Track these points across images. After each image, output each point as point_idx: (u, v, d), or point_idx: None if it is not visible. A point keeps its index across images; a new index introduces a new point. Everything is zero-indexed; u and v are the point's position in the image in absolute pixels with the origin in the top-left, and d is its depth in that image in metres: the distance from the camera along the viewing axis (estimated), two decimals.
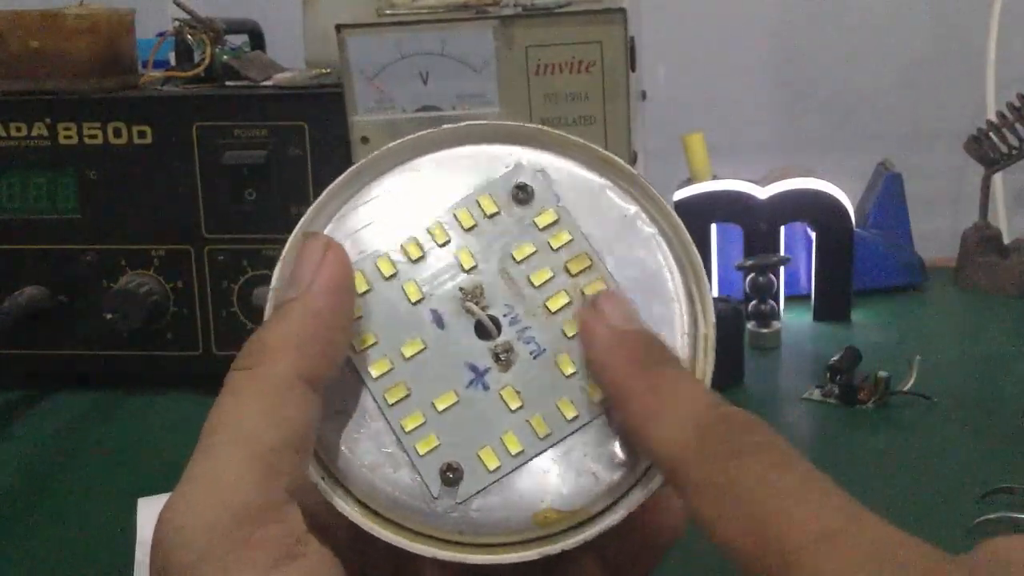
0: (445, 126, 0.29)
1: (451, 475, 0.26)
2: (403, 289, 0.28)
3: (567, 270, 0.28)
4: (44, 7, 0.69)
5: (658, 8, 0.88)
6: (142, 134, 0.68)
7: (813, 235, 0.78)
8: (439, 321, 0.27)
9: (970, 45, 1.00)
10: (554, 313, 0.28)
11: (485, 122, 0.30)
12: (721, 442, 0.23)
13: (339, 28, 0.60)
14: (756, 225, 0.77)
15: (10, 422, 0.68)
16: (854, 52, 1.04)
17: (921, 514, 0.50)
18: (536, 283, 0.28)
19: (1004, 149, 0.84)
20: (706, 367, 0.28)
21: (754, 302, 0.75)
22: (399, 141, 0.29)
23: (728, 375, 0.67)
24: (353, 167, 0.29)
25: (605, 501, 0.27)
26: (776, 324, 0.75)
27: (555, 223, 0.28)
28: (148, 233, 0.68)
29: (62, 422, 0.67)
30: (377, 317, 0.27)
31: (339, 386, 0.27)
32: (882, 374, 0.63)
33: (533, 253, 0.28)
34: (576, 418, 0.27)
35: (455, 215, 0.28)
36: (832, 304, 0.78)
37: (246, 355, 0.26)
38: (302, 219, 0.28)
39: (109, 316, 0.67)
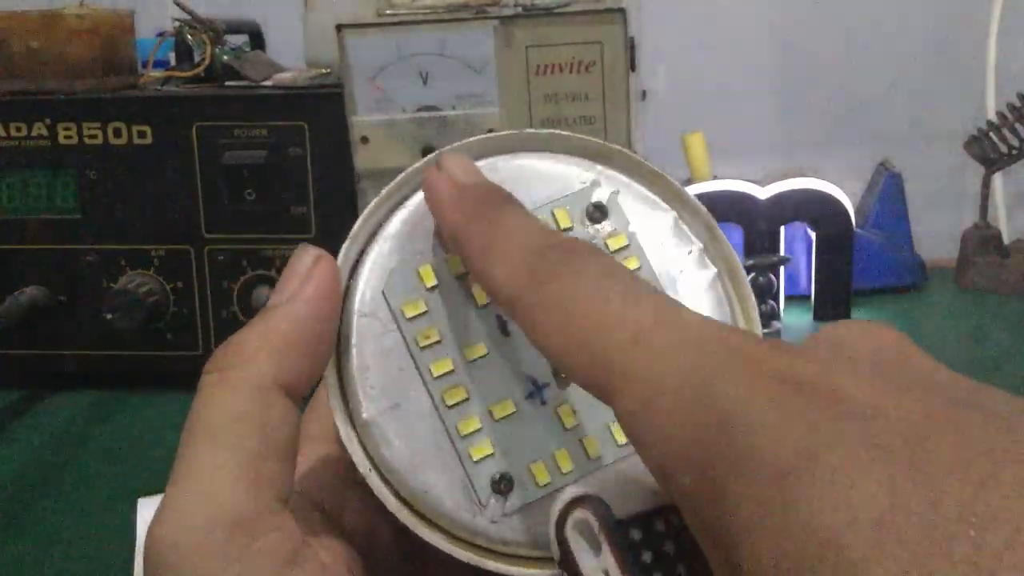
0: (528, 130, 0.29)
1: (502, 485, 0.26)
2: (471, 291, 0.27)
3: None
4: (44, 7, 0.69)
5: (658, 8, 0.88)
6: (142, 134, 0.68)
7: (813, 235, 0.78)
8: (504, 328, 0.27)
9: (970, 45, 1.00)
10: None
11: (569, 134, 0.29)
12: (549, 266, 0.23)
13: (339, 28, 0.60)
14: (756, 225, 0.77)
15: (10, 422, 0.68)
16: (854, 52, 1.04)
17: None
18: None
19: (1004, 149, 0.84)
20: None
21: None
22: (481, 136, 0.29)
23: None
24: (433, 153, 0.28)
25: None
26: (776, 324, 0.75)
27: (625, 248, 0.28)
28: (148, 233, 0.68)
29: (62, 422, 0.67)
30: (442, 315, 0.27)
31: (395, 379, 0.26)
32: None
33: None
34: (626, 444, 0.27)
35: None
36: (832, 304, 0.78)
37: (221, 356, 0.25)
38: (374, 201, 0.28)
39: (109, 316, 0.67)
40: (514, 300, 0.23)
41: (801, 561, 0.16)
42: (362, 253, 0.28)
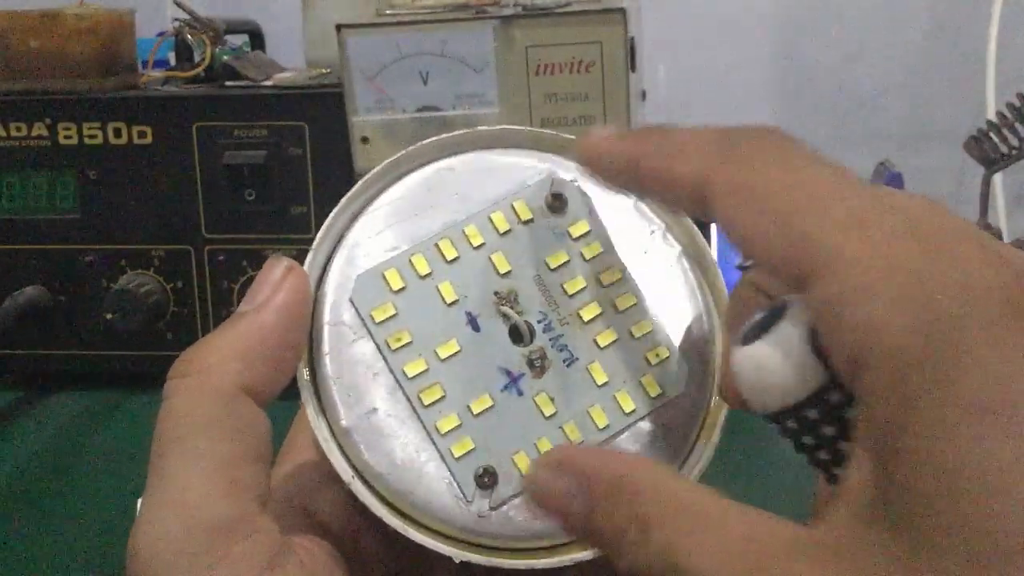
0: (481, 128, 0.29)
1: (486, 479, 0.26)
2: (438, 289, 0.27)
3: (599, 281, 0.28)
4: (44, 7, 0.69)
5: (658, 8, 0.88)
6: (142, 134, 0.68)
7: None
8: (474, 324, 0.27)
9: (970, 45, 1.00)
10: (587, 323, 0.28)
11: (521, 127, 0.30)
12: (742, 148, 0.22)
13: (339, 28, 0.60)
14: None
15: (10, 422, 0.68)
16: (854, 52, 1.04)
17: None
18: (569, 292, 0.28)
19: (1004, 149, 0.84)
20: (718, 378, 0.28)
21: None
22: (435, 138, 0.29)
23: None
24: (389, 160, 0.29)
25: None
26: None
27: (587, 234, 0.29)
28: (148, 233, 0.68)
29: (62, 422, 0.67)
30: (411, 316, 0.27)
31: (371, 384, 0.27)
32: None
33: (566, 262, 0.28)
34: (607, 427, 0.27)
35: (490, 218, 0.28)
36: None
37: (186, 362, 0.25)
38: (334, 210, 0.28)
39: (109, 316, 0.67)
40: (706, 185, 0.22)
41: (974, 507, 0.16)
42: (328, 261, 0.28)
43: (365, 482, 0.26)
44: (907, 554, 0.16)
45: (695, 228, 0.29)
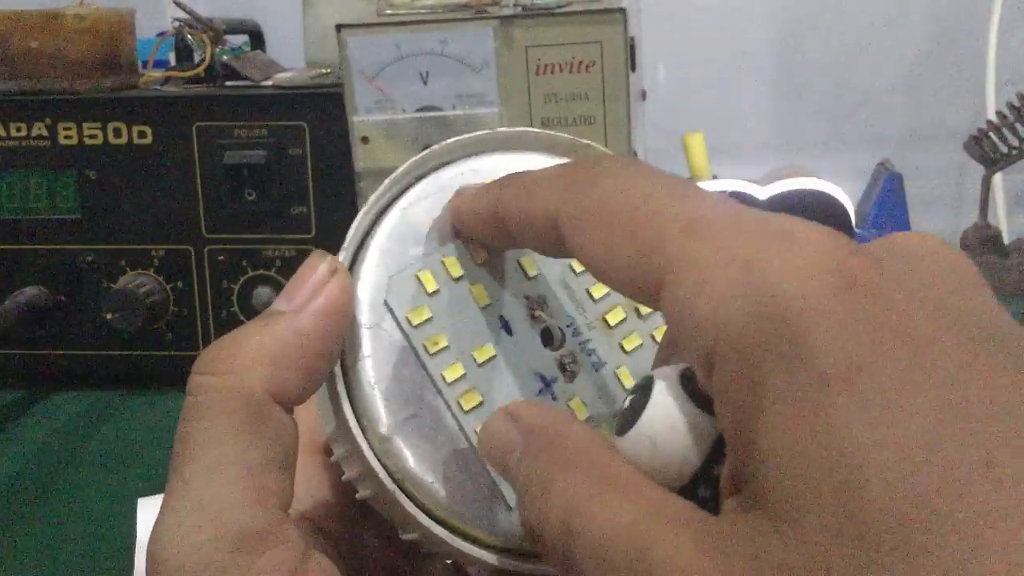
0: (504, 129, 0.29)
1: None
2: (471, 292, 0.27)
3: None
4: (44, 7, 0.69)
5: (658, 8, 0.88)
6: (142, 134, 0.68)
7: None
8: (507, 328, 0.27)
9: (970, 45, 1.00)
10: (612, 327, 0.28)
11: (540, 131, 0.29)
12: (586, 177, 0.22)
13: (339, 28, 0.60)
14: None
15: (10, 422, 0.68)
16: (854, 52, 1.04)
17: None
18: (595, 296, 0.28)
19: (1004, 149, 0.84)
20: None
21: None
22: (458, 138, 0.28)
23: None
24: (415, 159, 0.28)
25: None
26: None
27: None
28: (148, 233, 0.68)
29: (62, 422, 0.67)
30: (447, 320, 0.26)
31: (409, 390, 0.26)
32: None
33: None
34: None
35: None
36: None
37: (215, 359, 0.24)
38: (363, 209, 0.27)
39: (109, 316, 0.67)
40: (555, 216, 0.22)
41: (822, 472, 0.16)
42: (354, 262, 0.27)
43: (400, 486, 0.26)
44: (776, 536, 0.16)
45: None
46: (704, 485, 0.20)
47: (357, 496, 0.26)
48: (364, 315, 0.26)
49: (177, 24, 0.76)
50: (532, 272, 0.28)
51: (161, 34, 0.78)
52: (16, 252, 0.70)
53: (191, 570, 0.22)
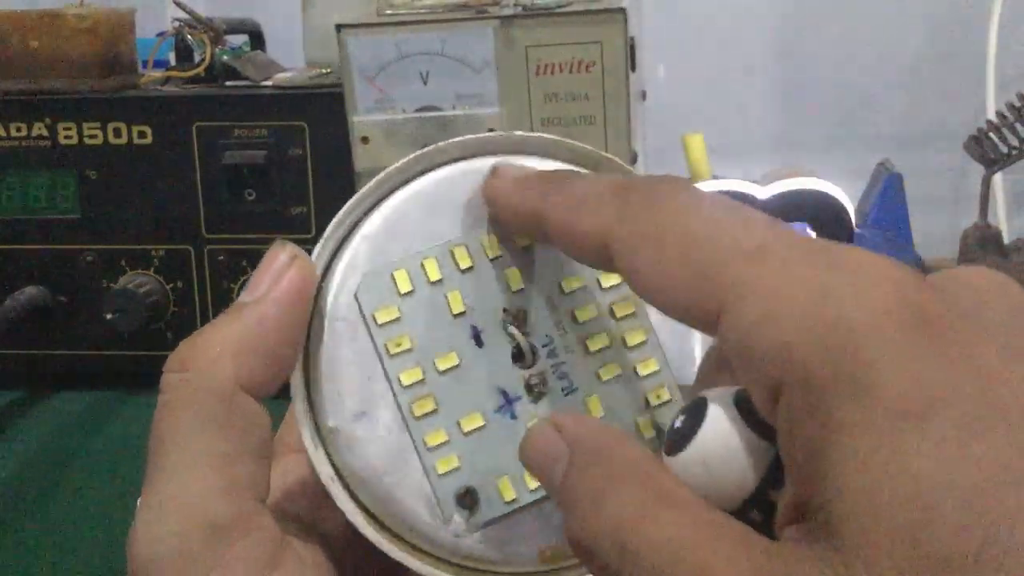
0: (520, 132, 0.28)
1: (467, 499, 0.26)
2: (447, 298, 0.26)
3: (612, 313, 0.27)
4: (44, 7, 0.69)
5: (658, 8, 0.88)
6: (142, 134, 0.68)
7: (813, 235, 0.78)
8: (478, 339, 0.26)
9: (970, 45, 1.00)
10: (591, 353, 0.27)
11: (560, 139, 0.28)
12: (639, 198, 0.22)
13: (339, 28, 0.60)
14: None
15: (10, 422, 0.68)
16: (854, 52, 1.04)
17: None
18: (580, 319, 0.27)
19: (1004, 149, 0.84)
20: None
21: None
22: (461, 138, 0.28)
23: None
24: (414, 155, 0.27)
25: None
26: None
27: None
28: (148, 233, 0.68)
29: (62, 422, 0.67)
30: (415, 322, 0.26)
31: (364, 388, 0.26)
32: None
33: (582, 287, 0.27)
34: None
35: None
36: None
37: (182, 356, 0.24)
38: (350, 201, 0.27)
39: (109, 316, 0.67)
40: (607, 239, 0.22)
41: (895, 510, 0.16)
42: (336, 253, 0.27)
43: (345, 485, 0.26)
44: (845, 568, 0.16)
45: None
46: (756, 509, 0.20)
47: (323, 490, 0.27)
48: (332, 307, 0.26)
49: (177, 24, 0.76)
50: (516, 286, 0.27)
51: (161, 34, 0.78)
52: (16, 252, 0.70)
53: (163, 561, 0.22)
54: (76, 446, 0.64)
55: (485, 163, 0.27)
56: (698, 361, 0.27)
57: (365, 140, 0.61)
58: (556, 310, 0.27)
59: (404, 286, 0.26)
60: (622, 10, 0.59)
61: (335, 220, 0.27)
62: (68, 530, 0.53)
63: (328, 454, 0.26)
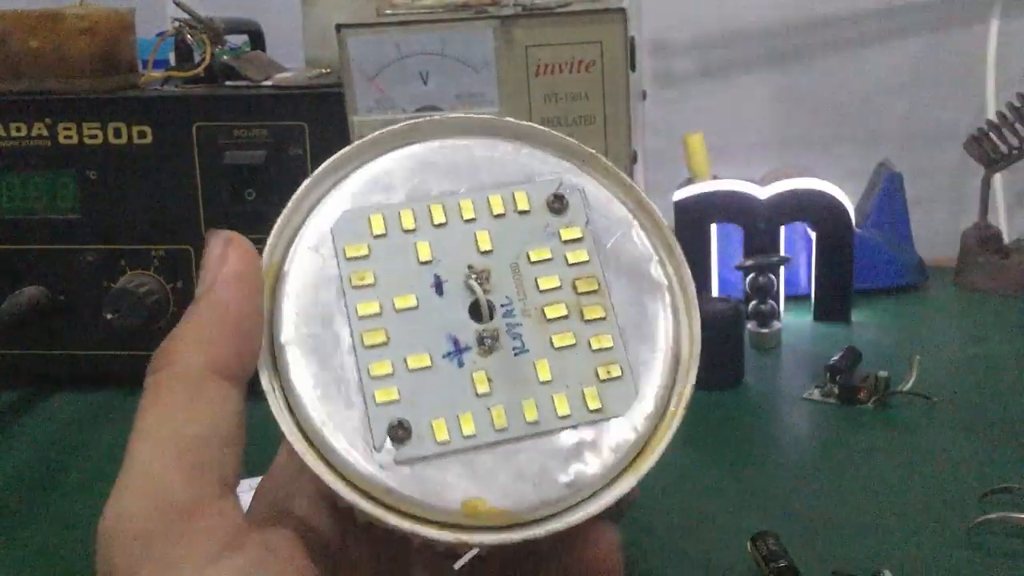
0: (510, 119, 0.30)
1: (399, 432, 0.26)
2: (415, 246, 0.28)
3: (574, 287, 0.28)
4: (44, 7, 0.69)
5: (658, 8, 0.88)
6: (142, 134, 0.68)
7: (813, 235, 0.78)
8: (439, 287, 0.28)
9: (970, 45, 1.00)
10: (549, 321, 0.28)
11: (548, 130, 0.30)
12: None
13: (339, 28, 0.60)
14: (756, 225, 0.77)
15: (10, 422, 0.68)
16: (854, 52, 1.04)
17: (921, 514, 0.50)
18: (541, 287, 0.28)
19: (1004, 149, 0.84)
20: (673, 421, 0.28)
21: (754, 302, 0.75)
22: (463, 115, 0.30)
23: (728, 375, 0.67)
24: (410, 122, 0.29)
25: (535, 514, 0.26)
26: (776, 324, 0.75)
27: (577, 240, 0.29)
28: (148, 233, 0.68)
29: (62, 422, 0.67)
30: (382, 262, 0.28)
31: (321, 312, 0.27)
32: (882, 374, 0.63)
33: (548, 259, 0.28)
34: (535, 423, 0.27)
35: (488, 198, 0.29)
36: (832, 304, 0.78)
37: (156, 359, 0.26)
38: (343, 150, 0.29)
39: (109, 316, 0.67)
40: None
41: None
42: (327, 193, 0.29)
43: (286, 401, 0.27)
44: None
45: (686, 267, 0.30)
46: None
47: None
48: (307, 238, 0.28)
49: (177, 24, 0.76)
50: (485, 247, 0.28)
51: (161, 34, 0.78)
52: (16, 252, 0.70)
53: (123, 537, 0.23)
54: (76, 446, 0.64)
55: (474, 140, 0.29)
56: (661, 345, 0.28)
57: None
58: (519, 275, 0.28)
59: (378, 228, 0.28)
60: (622, 10, 0.59)
61: (327, 162, 0.29)
62: (68, 530, 0.53)
63: (276, 370, 0.27)
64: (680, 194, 0.79)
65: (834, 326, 0.77)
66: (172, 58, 0.79)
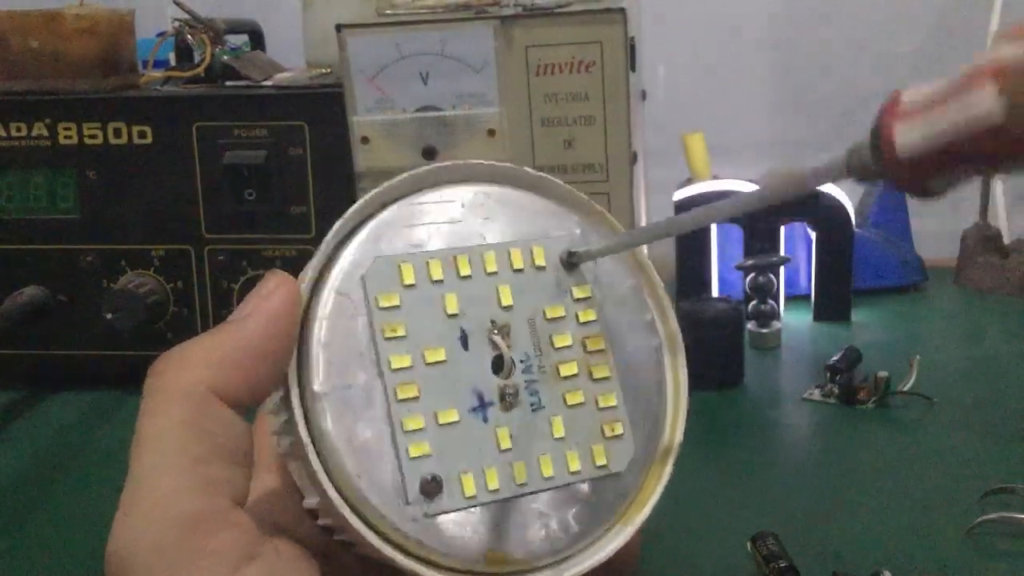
0: (524, 168, 0.31)
1: (431, 486, 0.27)
2: (444, 298, 0.28)
3: (584, 345, 0.30)
4: (44, 7, 0.69)
5: (658, 8, 0.88)
6: (142, 134, 0.68)
7: (813, 235, 0.78)
8: (465, 341, 0.28)
9: (970, 45, 1.00)
10: (562, 378, 0.29)
11: (560, 182, 0.31)
12: None
13: (339, 28, 0.60)
14: (756, 225, 0.77)
15: (10, 422, 0.68)
16: (854, 52, 1.04)
17: (921, 514, 0.50)
18: (556, 345, 0.29)
19: None
20: (663, 477, 0.30)
21: (754, 302, 0.75)
22: (483, 162, 0.30)
23: (728, 375, 0.67)
24: (437, 166, 0.30)
25: (546, 560, 0.28)
26: (776, 324, 0.75)
27: (588, 299, 0.30)
28: (148, 233, 0.68)
29: (62, 422, 0.67)
30: (412, 313, 0.28)
31: (355, 362, 0.27)
32: (882, 374, 0.63)
33: (562, 317, 0.30)
34: (551, 478, 0.28)
35: (509, 252, 0.29)
36: (832, 304, 0.78)
37: (163, 364, 0.26)
38: (372, 191, 0.29)
39: (109, 316, 0.67)
40: None
41: None
42: (351, 236, 0.28)
43: (318, 453, 0.27)
44: None
45: (676, 325, 0.31)
46: None
47: (278, 451, 0.28)
48: (338, 281, 0.28)
49: (177, 24, 0.76)
50: (506, 302, 0.29)
51: (161, 34, 0.78)
52: (16, 252, 0.70)
53: (142, 555, 0.23)
54: (76, 446, 0.64)
55: (495, 188, 0.30)
56: (654, 402, 0.30)
57: (365, 140, 0.61)
58: (536, 332, 0.29)
59: (408, 278, 0.28)
60: (622, 10, 0.59)
61: (357, 204, 0.28)
62: (68, 530, 0.53)
63: (307, 419, 0.27)
64: (680, 194, 0.79)
65: (834, 326, 0.77)
66: (172, 58, 0.79)
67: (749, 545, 0.47)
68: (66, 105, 0.68)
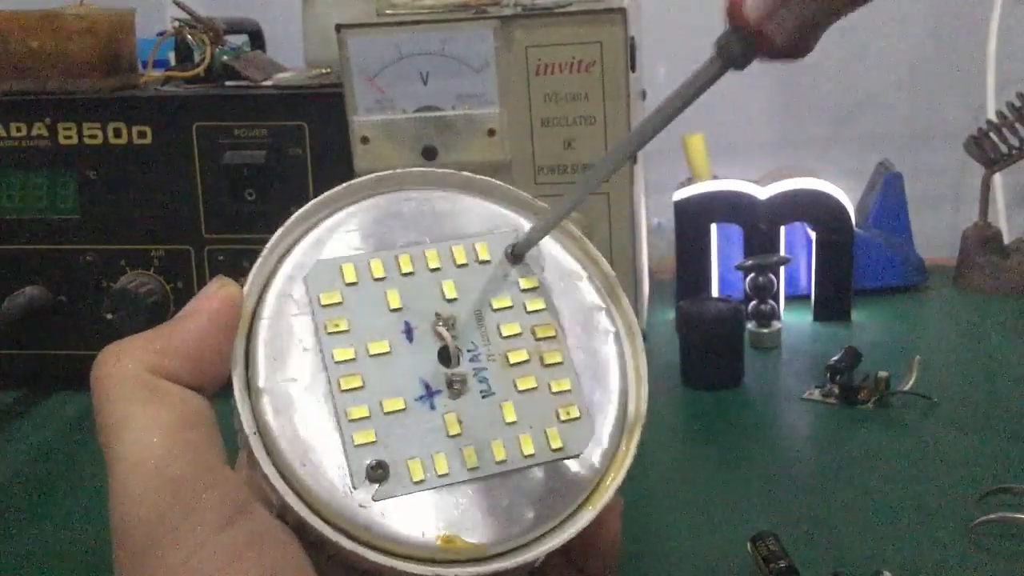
0: (472, 174, 0.32)
1: (378, 472, 0.27)
2: (386, 294, 0.29)
3: (533, 332, 0.30)
4: (44, 7, 0.69)
5: (658, 8, 0.88)
6: (142, 134, 0.68)
7: (813, 235, 0.78)
8: (409, 334, 0.29)
9: (970, 45, 1.00)
10: (512, 365, 0.30)
11: (503, 184, 0.32)
12: None
13: (339, 28, 0.60)
14: (756, 225, 0.77)
15: (10, 422, 0.68)
16: (854, 52, 1.04)
17: (920, 514, 0.50)
18: (504, 334, 0.30)
19: (1004, 149, 0.84)
20: (626, 460, 0.30)
21: (754, 302, 0.75)
22: (424, 169, 0.32)
23: (728, 375, 0.67)
24: (376, 175, 0.31)
25: (504, 546, 0.28)
26: (776, 324, 0.75)
27: (534, 289, 0.31)
28: (148, 233, 0.68)
29: (62, 422, 0.67)
30: (355, 309, 0.29)
31: (298, 358, 0.28)
32: (882, 374, 0.63)
33: (508, 307, 0.31)
34: (504, 462, 0.29)
35: (451, 249, 0.30)
36: (832, 304, 0.78)
37: (102, 354, 0.27)
38: (313, 200, 0.30)
39: (109, 316, 0.67)
40: None
41: None
42: (295, 244, 0.30)
43: (264, 443, 0.27)
44: None
45: (632, 313, 0.32)
46: None
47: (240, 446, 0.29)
48: (279, 284, 0.29)
49: (177, 24, 0.76)
50: (451, 295, 0.30)
51: (161, 34, 0.78)
52: (16, 252, 0.70)
53: (142, 524, 0.24)
54: (76, 446, 0.64)
55: (438, 193, 0.31)
56: (613, 388, 0.30)
57: (365, 140, 0.61)
58: (483, 322, 0.30)
59: (350, 277, 0.29)
60: (622, 10, 0.59)
61: (300, 211, 0.30)
62: (69, 530, 0.53)
63: (253, 412, 0.27)
64: (680, 194, 0.79)
65: (834, 326, 0.77)
66: (172, 58, 0.79)
67: (749, 545, 0.47)
68: (66, 105, 0.68)
